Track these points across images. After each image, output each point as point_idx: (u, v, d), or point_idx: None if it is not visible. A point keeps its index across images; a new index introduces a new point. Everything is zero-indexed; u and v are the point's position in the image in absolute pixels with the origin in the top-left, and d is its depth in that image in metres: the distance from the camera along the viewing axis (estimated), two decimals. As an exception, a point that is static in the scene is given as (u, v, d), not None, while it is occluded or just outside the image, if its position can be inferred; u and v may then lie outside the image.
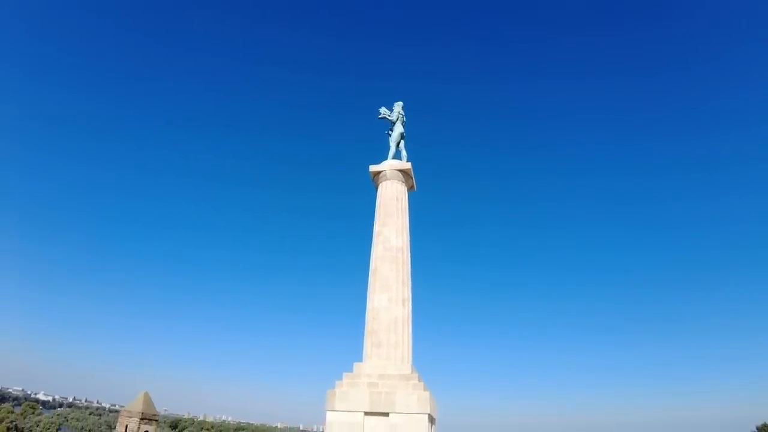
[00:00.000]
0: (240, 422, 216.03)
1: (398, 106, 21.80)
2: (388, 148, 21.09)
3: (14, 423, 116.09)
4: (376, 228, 19.17)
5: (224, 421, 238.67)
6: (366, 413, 15.39)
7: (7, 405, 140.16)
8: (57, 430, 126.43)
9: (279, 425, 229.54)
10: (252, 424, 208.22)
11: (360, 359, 17.42)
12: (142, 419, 26.41)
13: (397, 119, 21.45)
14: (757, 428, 46.02)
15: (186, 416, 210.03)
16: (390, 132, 21.46)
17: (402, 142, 21.32)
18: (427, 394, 15.40)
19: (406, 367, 16.50)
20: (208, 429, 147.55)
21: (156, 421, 27.28)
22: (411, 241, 19.35)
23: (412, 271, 18.73)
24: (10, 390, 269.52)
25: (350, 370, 16.91)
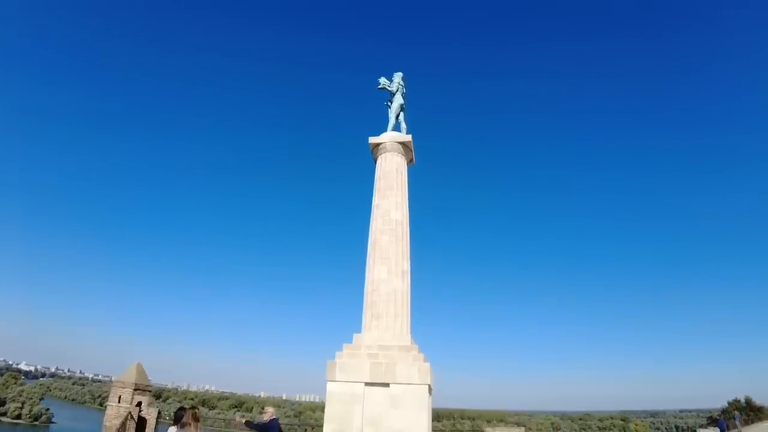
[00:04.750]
0: (223, 392, 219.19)
1: (398, 77, 21.34)
2: (387, 120, 20.79)
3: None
4: (375, 201, 19.07)
5: (207, 390, 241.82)
6: (366, 384, 15.62)
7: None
8: (40, 399, 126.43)
9: (262, 394, 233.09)
10: (235, 393, 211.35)
11: (352, 332, 17.53)
12: (135, 390, 26.38)
13: (397, 90, 21.04)
14: (729, 403, 48.61)
15: (169, 386, 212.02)
16: (389, 103, 21.07)
17: (402, 113, 20.98)
18: (427, 365, 15.69)
19: (406, 339, 16.74)
20: (191, 398, 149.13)
21: (149, 391, 27.29)
22: (410, 214, 19.37)
23: (411, 245, 18.81)
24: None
25: (349, 341, 17.08)
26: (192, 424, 7.65)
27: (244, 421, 10.87)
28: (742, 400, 48.51)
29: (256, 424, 10.93)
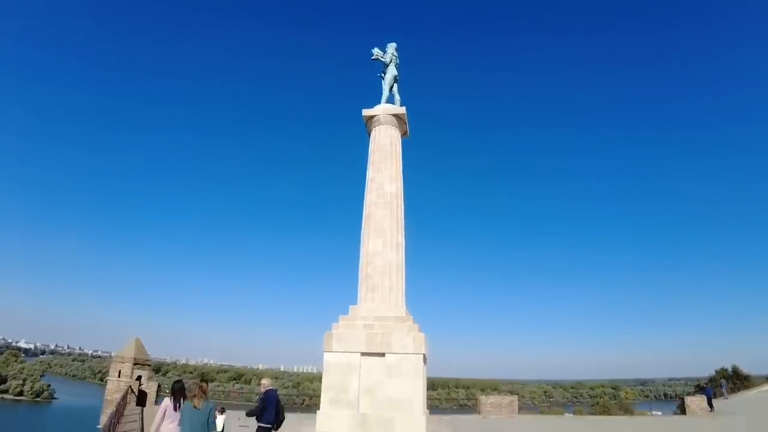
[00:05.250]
0: (222, 365, 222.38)
1: (391, 48, 20.90)
2: (381, 92, 20.48)
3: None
4: (370, 174, 18.98)
5: (206, 363, 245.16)
6: (362, 354, 15.89)
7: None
8: (41, 376, 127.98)
9: (260, 366, 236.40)
10: (234, 366, 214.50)
11: (348, 304, 17.71)
12: (135, 364, 26.74)
13: (391, 61, 20.64)
14: (716, 372, 49.74)
15: (169, 361, 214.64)
16: (383, 74, 20.69)
17: (395, 85, 20.65)
18: (422, 335, 15.95)
19: (401, 310, 16.96)
20: (190, 372, 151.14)
21: (149, 365, 27.70)
22: (404, 187, 19.33)
23: (405, 217, 18.84)
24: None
25: (345, 313, 17.28)
26: (198, 395, 7.82)
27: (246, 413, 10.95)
28: (730, 369, 49.71)
29: (256, 406, 10.91)
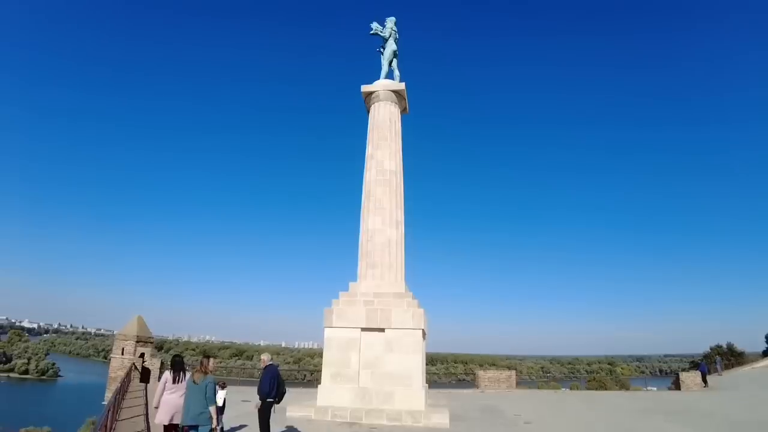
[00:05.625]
0: (223, 342, 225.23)
1: (390, 22, 20.48)
2: (380, 67, 20.21)
3: (2, 350, 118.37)
4: (369, 151, 18.86)
5: (208, 341, 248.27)
6: (363, 329, 16.08)
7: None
8: (45, 355, 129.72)
9: (261, 343, 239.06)
10: (235, 342, 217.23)
11: (348, 281, 17.85)
12: (137, 342, 27.02)
13: (390, 36, 20.27)
14: (711, 348, 50.39)
15: (171, 338, 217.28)
16: (382, 50, 20.36)
17: (395, 60, 20.33)
18: (421, 311, 16.10)
19: (400, 286, 17.08)
20: (192, 349, 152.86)
21: (151, 343, 28.01)
22: (404, 164, 19.24)
23: (404, 195, 18.81)
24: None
25: (345, 290, 17.40)
26: (199, 370, 8.07)
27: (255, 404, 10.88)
28: (724, 346, 50.38)
29: (261, 387, 10.76)
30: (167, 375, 8.66)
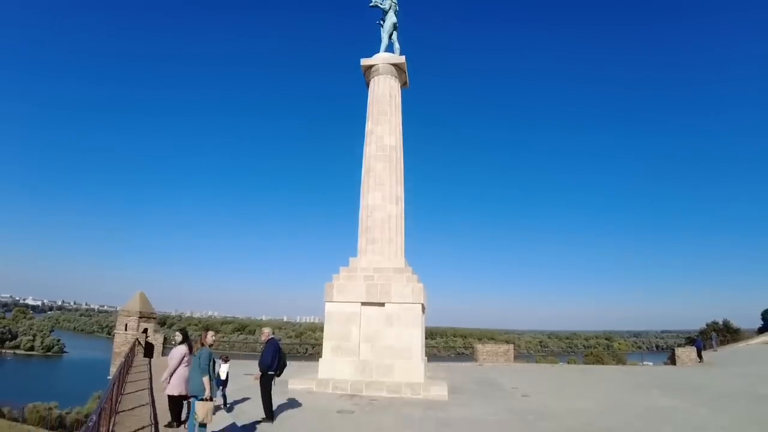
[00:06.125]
0: (226, 317, 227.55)
1: None
2: (380, 40, 19.85)
3: (7, 328, 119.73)
4: (369, 126, 18.69)
5: (211, 316, 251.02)
6: (363, 303, 16.25)
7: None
8: (50, 331, 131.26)
9: (263, 318, 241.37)
10: (237, 317, 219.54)
11: (348, 256, 17.96)
12: (140, 318, 27.29)
13: (390, 8, 19.84)
14: (707, 325, 50.93)
15: (173, 314, 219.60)
16: (382, 22, 19.96)
17: (395, 33, 19.96)
18: (420, 286, 16.22)
19: (400, 261, 17.18)
20: (195, 324, 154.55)
21: (154, 318, 28.28)
22: (404, 140, 19.10)
23: (404, 170, 18.72)
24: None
25: (345, 265, 17.51)
26: (200, 342, 8.24)
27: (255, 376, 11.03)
28: (721, 323, 50.95)
29: (263, 359, 10.90)
30: (184, 348, 8.85)
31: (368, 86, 19.62)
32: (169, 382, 8.88)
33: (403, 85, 20.08)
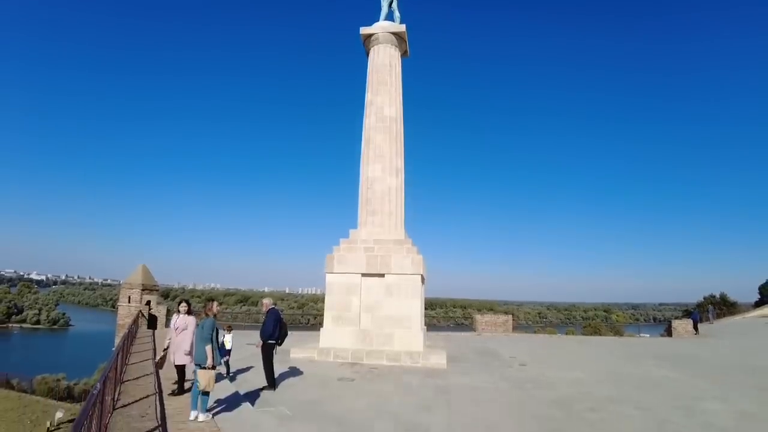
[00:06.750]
0: (228, 289, 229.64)
1: None
2: (380, 8, 19.35)
3: (13, 302, 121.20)
4: (368, 97, 18.40)
5: (213, 288, 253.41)
6: (363, 275, 16.36)
7: (2, 287, 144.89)
8: (56, 305, 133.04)
9: (266, 289, 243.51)
10: (240, 289, 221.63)
11: (349, 228, 17.99)
12: (143, 290, 27.55)
13: None
14: (704, 298, 51.31)
15: (176, 286, 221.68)
16: (381, -11, 19.46)
17: (395, 1, 19.42)
18: (420, 257, 16.29)
19: (400, 233, 17.21)
20: (198, 296, 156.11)
21: (156, 290, 28.55)
22: (404, 110, 18.84)
23: (404, 142, 18.54)
24: (2, 272, 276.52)
25: (346, 237, 17.55)
26: (205, 312, 8.31)
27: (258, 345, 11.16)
28: (718, 296, 51.38)
29: (265, 328, 11.03)
30: (193, 318, 8.93)
31: (368, 55, 19.24)
32: (176, 353, 9.03)
33: (404, 54, 19.68)
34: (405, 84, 19.02)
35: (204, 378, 7.59)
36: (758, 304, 52.16)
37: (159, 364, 9.65)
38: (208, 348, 7.78)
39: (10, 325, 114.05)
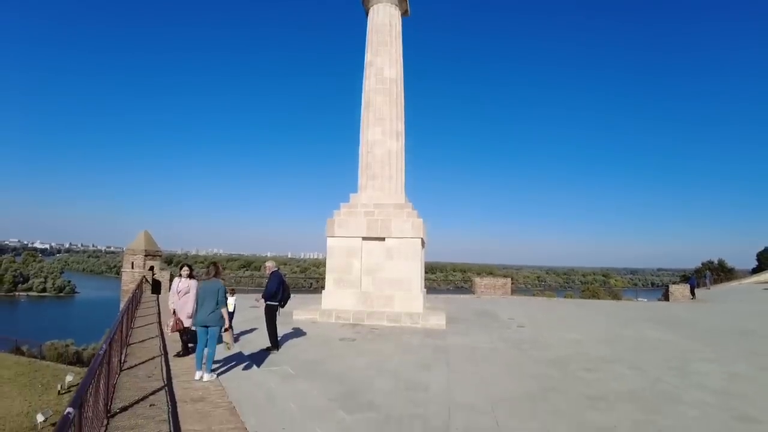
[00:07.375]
0: (231, 254, 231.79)
1: None
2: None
3: (19, 271, 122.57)
4: (368, 57, 17.95)
5: (216, 254, 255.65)
6: (364, 238, 16.43)
7: (7, 256, 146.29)
8: (60, 273, 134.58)
9: (268, 254, 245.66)
10: (243, 255, 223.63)
11: (349, 193, 17.94)
12: (146, 256, 27.79)
13: None
14: (702, 264, 51.74)
15: (179, 252, 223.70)
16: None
17: (394, -43, 18.75)
18: (420, 221, 16.31)
19: (400, 197, 17.17)
20: (201, 262, 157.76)
21: (159, 256, 28.79)
22: (404, 72, 18.43)
23: (405, 104, 18.23)
24: (6, 242, 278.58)
25: (346, 201, 17.53)
26: (214, 276, 8.45)
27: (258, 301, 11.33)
28: (716, 262, 51.87)
29: (268, 290, 11.18)
30: (195, 282, 9.22)
31: (367, 14, 18.67)
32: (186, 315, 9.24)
33: (404, 13, 19.09)
34: (405, 45, 18.54)
35: (228, 338, 8.31)
36: (755, 271, 52.69)
37: (175, 328, 9.73)
38: (224, 311, 8.14)
39: (17, 293, 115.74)
